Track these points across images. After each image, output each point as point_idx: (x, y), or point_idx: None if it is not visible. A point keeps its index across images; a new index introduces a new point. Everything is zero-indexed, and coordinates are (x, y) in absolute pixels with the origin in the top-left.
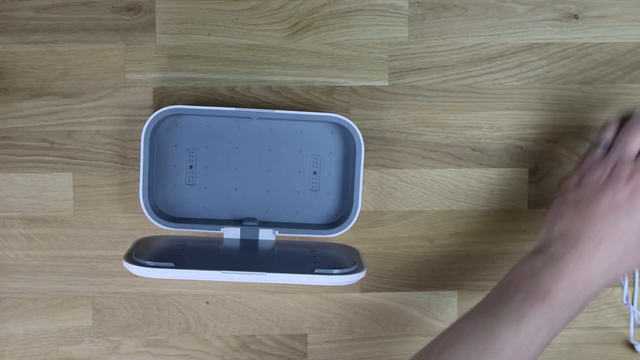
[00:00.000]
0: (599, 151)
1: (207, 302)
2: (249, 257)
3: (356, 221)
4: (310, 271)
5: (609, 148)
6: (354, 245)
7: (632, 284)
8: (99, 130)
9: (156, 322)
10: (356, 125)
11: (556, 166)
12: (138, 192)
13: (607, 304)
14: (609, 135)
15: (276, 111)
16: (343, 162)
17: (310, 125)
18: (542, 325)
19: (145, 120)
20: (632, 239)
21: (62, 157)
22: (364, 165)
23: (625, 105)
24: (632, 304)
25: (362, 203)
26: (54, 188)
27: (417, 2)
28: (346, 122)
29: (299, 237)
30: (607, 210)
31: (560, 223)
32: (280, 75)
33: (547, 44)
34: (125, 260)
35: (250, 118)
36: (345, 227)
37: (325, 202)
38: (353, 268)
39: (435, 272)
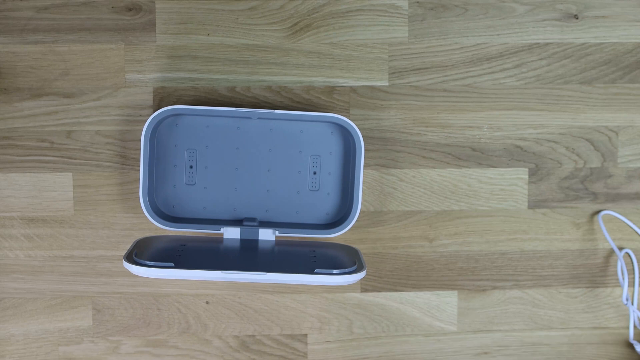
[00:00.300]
0: None
1: (207, 302)
2: (249, 257)
3: (356, 221)
4: (310, 271)
5: None
6: (354, 245)
7: (632, 284)
8: (99, 130)
9: (156, 322)
10: (356, 125)
11: (556, 166)
12: (138, 192)
13: (607, 304)
14: None
15: (276, 111)
16: (343, 162)
17: (310, 125)
18: None
19: (145, 120)
20: None
21: (62, 157)
22: (364, 165)
23: (626, 105)
24: (632, 304)
25: (362, 203)
26: (54, 188)
27: (417, 2)
28: (346, 122)
29: (299, 237)
30: None
31: None
32: (280, 75)
33: (547, 44)
34: (125, 260)
35: (250, 118)
36: (345, 227)
37: (325, 202)
38: (353, 268)
39: (435, 272)
